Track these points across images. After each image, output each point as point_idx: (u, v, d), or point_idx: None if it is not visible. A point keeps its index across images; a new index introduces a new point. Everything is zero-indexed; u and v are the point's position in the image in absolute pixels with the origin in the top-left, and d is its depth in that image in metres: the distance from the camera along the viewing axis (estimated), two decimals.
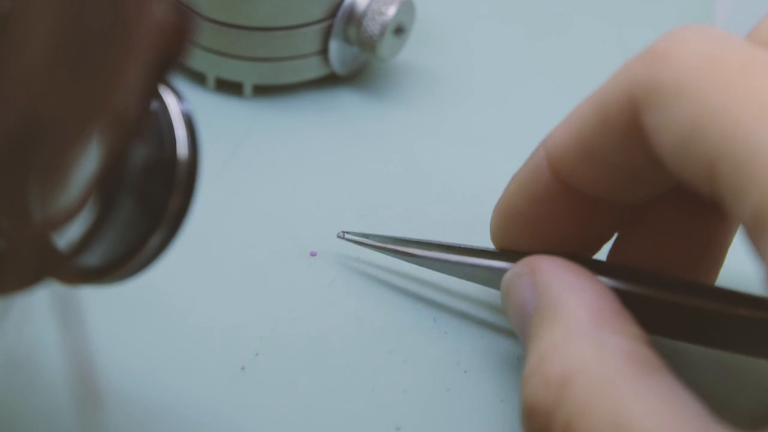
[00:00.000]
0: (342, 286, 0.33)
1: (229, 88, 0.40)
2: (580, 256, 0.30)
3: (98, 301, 0.30)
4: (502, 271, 0.30)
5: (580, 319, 0.26)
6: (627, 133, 0.26)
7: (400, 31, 0.39)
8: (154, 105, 0.23)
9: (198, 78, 0.40)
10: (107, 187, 0.22)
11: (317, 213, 0.36)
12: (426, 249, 0.32)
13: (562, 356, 0.26)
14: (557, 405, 0.25)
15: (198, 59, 0.40)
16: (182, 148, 0.23)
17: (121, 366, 0.30)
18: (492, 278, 0.31)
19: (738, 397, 0.31)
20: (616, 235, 0.31)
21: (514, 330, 0.30)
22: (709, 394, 0.30)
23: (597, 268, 0.29)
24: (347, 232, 0.34)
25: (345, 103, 0.40)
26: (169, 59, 0.21)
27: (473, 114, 0.41)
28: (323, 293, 0.33)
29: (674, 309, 0.28)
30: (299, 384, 0.31)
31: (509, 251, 0.31)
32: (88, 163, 0.21)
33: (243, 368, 0.31)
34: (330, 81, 0.41)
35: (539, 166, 0.29)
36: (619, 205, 0.29)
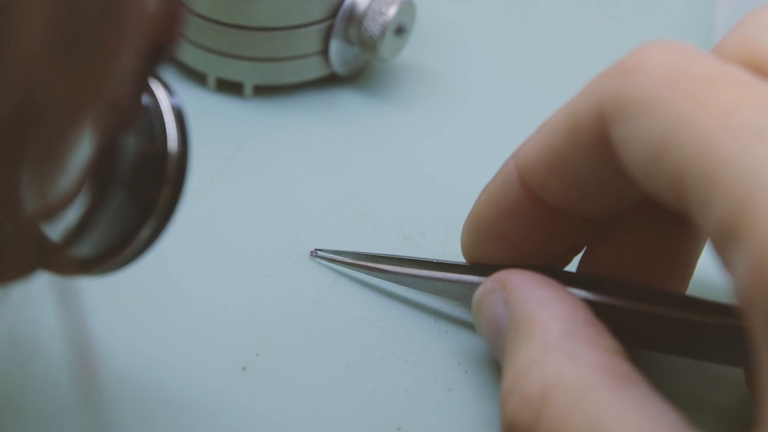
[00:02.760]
0: (343, 286, 0.33)
1: (229, 88, 0.40)
2: (550, 268, 0.30)
3: (99, 301, 0.31)
4: (474, 285, 0.30)
5: (554, 334, 0.26)
6: (596, 146, 0.26)
7: (400, 31, 0.39)
8: (146, 99, 0.23)
9: (198, 78, 0.40)
10: (100, 178, 0.22)
11: (318, 213, 0.36)
12: (398, 265, 0.32)
13: (539, 372, 0.26)
14: (537, 421, 0.25)
15: (198, 59, 0.40)
16: (172, 142, 0.23)
17: (121, 366, 0.30)
18: (464, 293, 0.31)
19: (716, 397, 0.31)
20: (586, 247, 0.31)
21: (486, 345, 0.30)
22: (687, 395, 0.30)
23: (568, 280, 0.29)
24: (320, 250, 0.34)
25: (346, 104, 0.40)
26: (160, 49, 0.22)
27: (474, 114, 0.41)
28: (324, 293, 0.33)
29: (645, 319, 0.28)
30: (300, 384, 0.31)
31: (480, 265, 0.31)
32: (81, 151, 0.21)
33: (244, 368, 0.31)
34: (331, 81, 0.41)
35: (509, 178, 0.29)
36: (589, 217, 0.29)
